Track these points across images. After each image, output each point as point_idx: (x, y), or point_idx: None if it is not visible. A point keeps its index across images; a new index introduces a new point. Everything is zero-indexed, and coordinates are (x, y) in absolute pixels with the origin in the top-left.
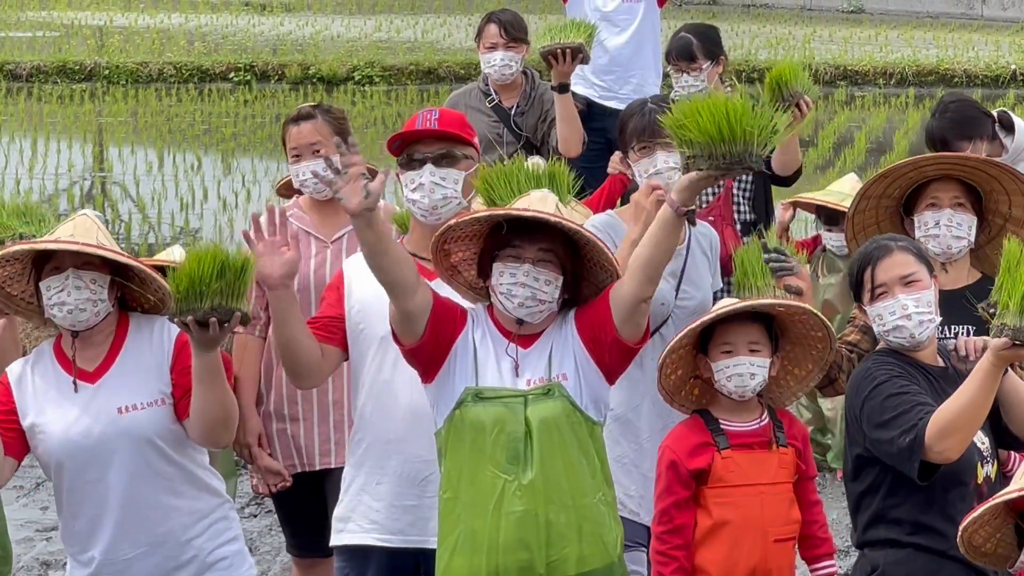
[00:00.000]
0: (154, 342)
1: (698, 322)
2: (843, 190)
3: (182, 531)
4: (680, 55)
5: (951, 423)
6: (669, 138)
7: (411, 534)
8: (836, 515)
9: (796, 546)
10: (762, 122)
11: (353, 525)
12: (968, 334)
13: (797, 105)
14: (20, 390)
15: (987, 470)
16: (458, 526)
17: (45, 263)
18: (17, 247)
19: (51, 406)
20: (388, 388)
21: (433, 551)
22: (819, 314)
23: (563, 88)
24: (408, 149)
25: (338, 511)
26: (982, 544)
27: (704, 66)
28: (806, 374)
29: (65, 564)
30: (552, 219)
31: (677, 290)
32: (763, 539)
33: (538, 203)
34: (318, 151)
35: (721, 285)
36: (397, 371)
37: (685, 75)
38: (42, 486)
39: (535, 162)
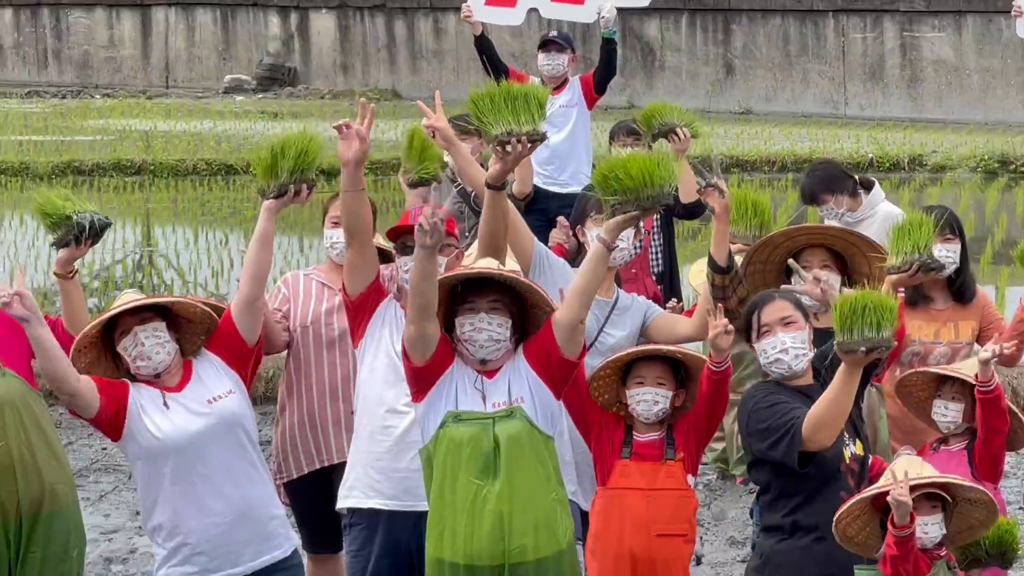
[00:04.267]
0: (210, 361)
1: (623, 353)
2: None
3: (262, 506)
4: (628, 132)
5: (822, 417)
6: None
7: (405, 499)
8: (735, 513)
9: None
10: (668, 169)
11: (358, 493)
12: None
13: (675, 132)
14: (134, 393)
15: (851, 449)
16: (443, 521)
17: (111, 336)
18: (89, 325)
19: (150, 412)
20: (370, 383)
21: (423, 512)
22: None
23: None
24: (402, 238)
25: (345, 482)
26: (855, 535)
27: (642, 142)
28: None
29: (124, 560)
30: (496, 274)
31: (598, 332)
32: (647, 532)
33: (484, 266)
34: None
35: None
36: (375, 373)
37: (629, 148)
38: (105, 498)
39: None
